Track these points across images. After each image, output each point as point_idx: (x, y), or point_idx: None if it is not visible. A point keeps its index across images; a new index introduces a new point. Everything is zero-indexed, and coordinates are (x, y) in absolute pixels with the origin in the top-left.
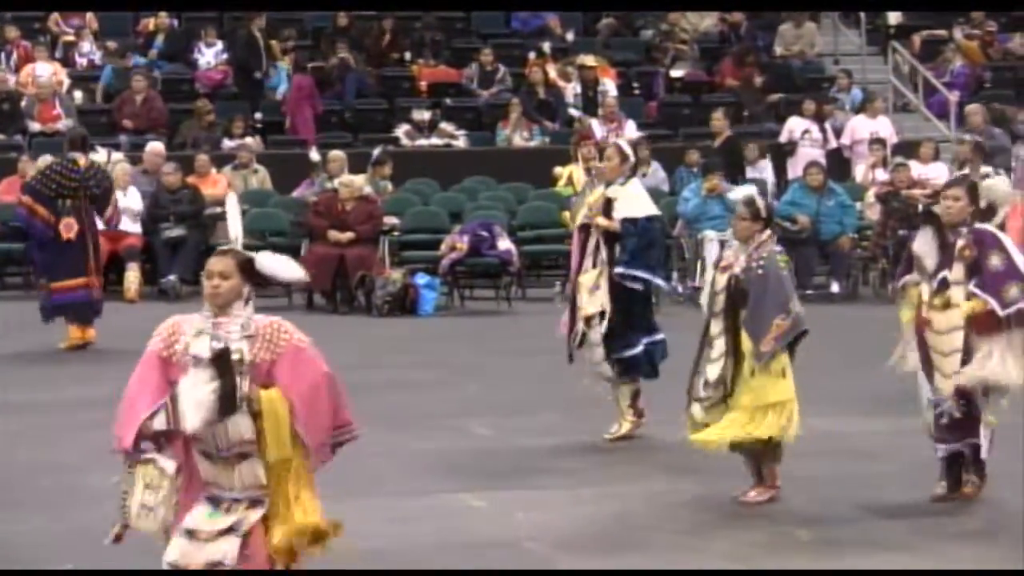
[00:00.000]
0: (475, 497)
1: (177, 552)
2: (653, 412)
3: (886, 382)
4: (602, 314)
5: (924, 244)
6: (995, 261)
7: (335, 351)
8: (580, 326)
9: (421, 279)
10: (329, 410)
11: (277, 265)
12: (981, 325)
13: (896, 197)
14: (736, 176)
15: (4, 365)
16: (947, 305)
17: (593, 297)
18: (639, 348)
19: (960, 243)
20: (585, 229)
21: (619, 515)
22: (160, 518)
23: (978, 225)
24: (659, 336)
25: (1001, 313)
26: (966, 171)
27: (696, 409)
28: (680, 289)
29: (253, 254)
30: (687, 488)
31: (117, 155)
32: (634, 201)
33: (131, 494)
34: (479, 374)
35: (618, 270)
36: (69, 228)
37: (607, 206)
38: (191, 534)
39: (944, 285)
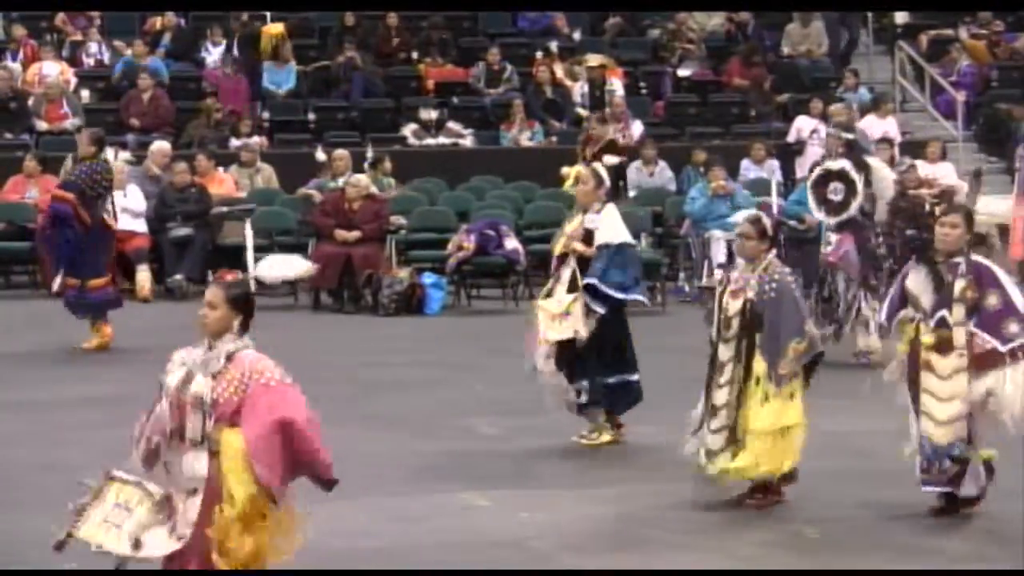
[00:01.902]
0: (480, 496)
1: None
2: (656, 413)
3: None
4: (571, 342)
5: (919, 283)
6: (993, 300)
7: (341, 350)
8: (541, 349)
9: (428, 278)
10: (287, 453)
11: (279, 270)
12: (983, 362)
13: (903, 197)
14: (618, 183)
15: (8, 364)
16: (948, 348)
17: (561, 324)
18: (613, 379)
19: (961, 284)
20: (562, 258)
21: (623, 515)
22: (126, 539)
23: (974, 257)
24: (633, 377)
25: (1003, 349)
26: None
27: (708, 438)
28: (687, 289)
29: (249, 283)
30: (692, 489)
31: (124, 154)
32: (610, 229)
33: (95, 506)
34: (485, 373)
35: (586, 281)
36: (108, 226)
37: (587, 236)
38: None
39: (942, 325)
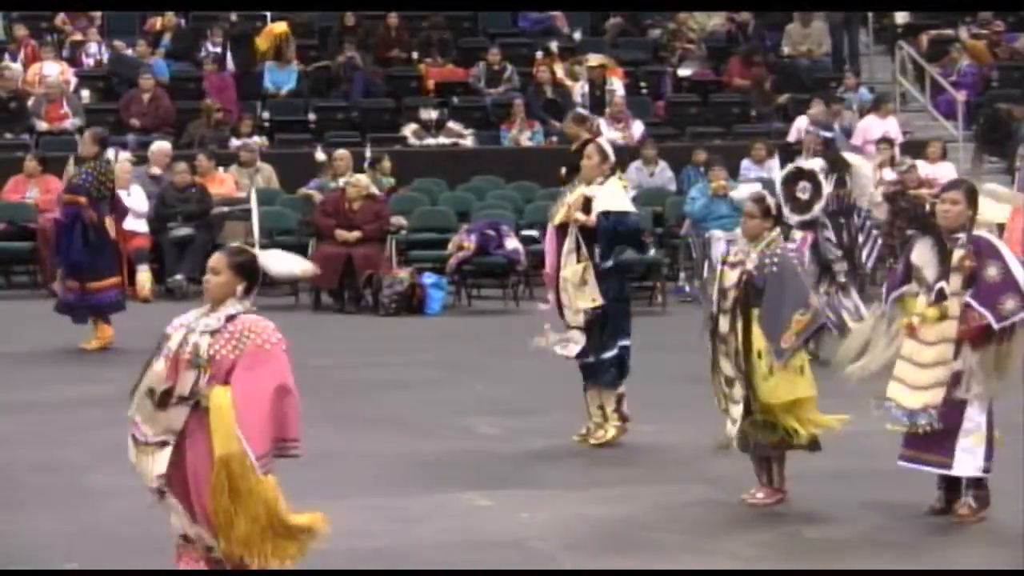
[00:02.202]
0: (481, 496)
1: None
2: (659, 414)
3: None
4: (595, 309)
5: (924, 254)
6: (992, 272)
7: (342, 350)
8: (572, 318)
9: (428, 278)
10: (272, 417)
11: (280, 263)
12: (975, 338)
13: (903, 196)
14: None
15: (8, 364)
16: (942, 317)
17: (582, 291)
18: (614, 351)
19: (959, 254)
20: (563, 228)
21: (625, 515)
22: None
23: (976, 232)
24: (628, 341)
25: (996, 326)
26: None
27: (732, 408)
28: (687, 289)
29: (254, 252)
30: (693, 489)
31: (125, 154)
32: (611, 198)
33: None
34: (485, 374)
35: (605, 265)
36: (111, 227)
37: (586, 205)
38: None
39: (941, 296)
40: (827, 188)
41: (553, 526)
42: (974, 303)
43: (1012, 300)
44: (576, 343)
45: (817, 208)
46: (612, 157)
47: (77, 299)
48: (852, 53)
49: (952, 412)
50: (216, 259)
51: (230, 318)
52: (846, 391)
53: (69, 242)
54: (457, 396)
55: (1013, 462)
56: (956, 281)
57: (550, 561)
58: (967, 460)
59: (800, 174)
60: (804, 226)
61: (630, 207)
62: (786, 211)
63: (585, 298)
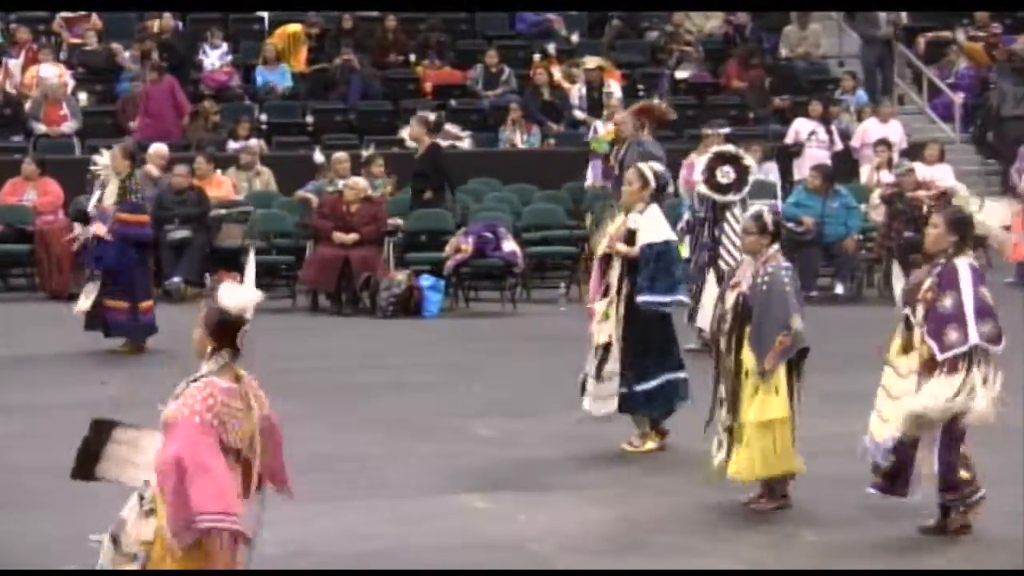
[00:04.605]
0: (479, 499)
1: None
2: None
3: None
4: (607, 346)
5: (899, 280)
6: (947, 303)
7: (339, 353)
8: (593, 354)
9: (426, 280)
10: (180, 493)
11: (233, 297)
12: (927, 368)
13: (901, 199)
14: (443, 184)
15: (6, 366)
16: (907, 347)
17: (602, 327)
18: (656, 382)
19: (926, 284)
20: (606, 258)
21: (624, 517)
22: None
23: (955, 260)
24: (682, 374)
25: (939, 357)
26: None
27: (719, 429)
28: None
29: (226, 303)
30: (692, 491)
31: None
32: (653, 228)
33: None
34: (483, 376)
35: (641, 299)
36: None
37: (629, 236)
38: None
39: (907, 323)
40: (750, 181)
41: (551, 528)
42: (924, 333)
43: (956, 332)
44: (611, 396)
45: (731, 196)
46: (652, 183)
47: (130, 320)
48: (886, 90)
49: (907, 445)
50: (199, 313)
51: (192, 381)
52: (842, 392)
53: (130, 262)
54: (455, 398)
55: (1010, 465)
56: (920, 311)
57: (548, 563)
58: (919, 490)
59: (731, 159)
60: (710, 205)
61: (671, 235)
62: (702, 187)
63: (603, 333)
